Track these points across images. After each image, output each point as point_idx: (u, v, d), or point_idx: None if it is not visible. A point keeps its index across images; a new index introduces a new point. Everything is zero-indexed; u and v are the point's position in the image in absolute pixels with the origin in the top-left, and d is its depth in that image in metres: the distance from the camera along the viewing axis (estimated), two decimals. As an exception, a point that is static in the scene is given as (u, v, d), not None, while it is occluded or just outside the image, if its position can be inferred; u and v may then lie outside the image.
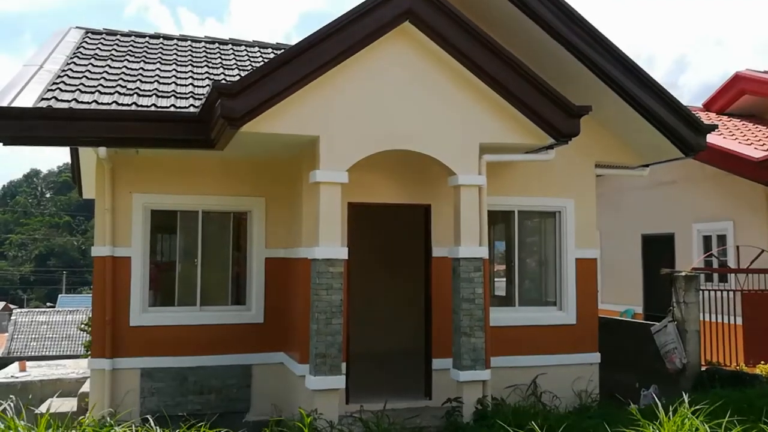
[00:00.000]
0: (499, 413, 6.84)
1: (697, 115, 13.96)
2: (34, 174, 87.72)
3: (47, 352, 30.01)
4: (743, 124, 13.59)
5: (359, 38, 6.97)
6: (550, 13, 8.19)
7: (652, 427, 4.90)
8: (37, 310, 39.44)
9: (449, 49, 7.29)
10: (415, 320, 8.85)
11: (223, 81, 8.67)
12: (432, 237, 8.33)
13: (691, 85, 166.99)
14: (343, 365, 7.32)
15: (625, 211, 14.55)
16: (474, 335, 7.33)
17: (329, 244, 6.96)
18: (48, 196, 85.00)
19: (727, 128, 13.17)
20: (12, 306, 52.01)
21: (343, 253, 7.06)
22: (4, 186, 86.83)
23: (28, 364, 12.90)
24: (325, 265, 6.91)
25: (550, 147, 7.91)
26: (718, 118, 14.02)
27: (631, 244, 14.34)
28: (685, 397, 5.16)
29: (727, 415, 4.74)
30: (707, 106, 14.58)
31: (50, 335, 33.02)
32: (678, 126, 8.77)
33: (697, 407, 4.98)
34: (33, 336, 32.75)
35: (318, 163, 7.05)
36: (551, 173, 8.84)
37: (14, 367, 12.76)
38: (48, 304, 53.36)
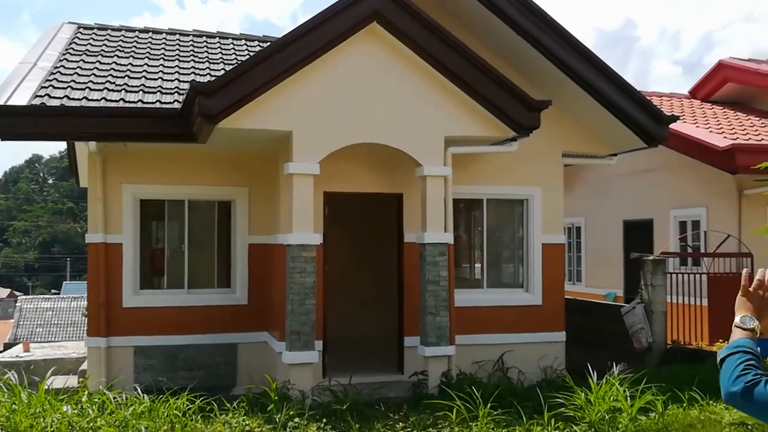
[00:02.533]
0: (461, 385, 7.38)
1: (680, 102, 14.39)
2: (35, 160, 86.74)
3: (52, 338, 30.55)
4: (723, 112, 13.74)
5: (329, 39, 7.43)
6: (514, 9, 8.57)
7: (584, 393, 5.45)
8: (41, 296, 40.17)
9: (415, 47, 7.73)
10: (394, 303, 9.35)
11: (207, 75, 9.16)
12: (404, 224, 8.84)
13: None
14: (319, 343, 7.88)
15: (608, 197, 14.83)
16: (439, 314, 7.87)
17: (302, 231, 7.49)
18: (50, 182, 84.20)
19: (705, 116, 13.39)
20: (17, 293, 52.77)
21: (315, 239, 7.60)
22: (5, 172, 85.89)
23: (32, 345, 13.58)
24: (299, 250, 7.46)
25: (513, 139, 8.36)
26: (701, 106, 14.25)
27: (613, 229, 14.66)
28: (615, 369, 5.71)
29: (643, 383, 5.27)
30: (693, 93, 14.74)
31: (55, 321, 33.72)
32: (640, 117, 9.10)
33: (624, 377, 5.53)
34: (38, 322, 33.47)
35: (291, 156, 7.55)
36: (519, 163, 9.23)
37: (18, 347, 13.45)
38: (53, 290, 53.92)
